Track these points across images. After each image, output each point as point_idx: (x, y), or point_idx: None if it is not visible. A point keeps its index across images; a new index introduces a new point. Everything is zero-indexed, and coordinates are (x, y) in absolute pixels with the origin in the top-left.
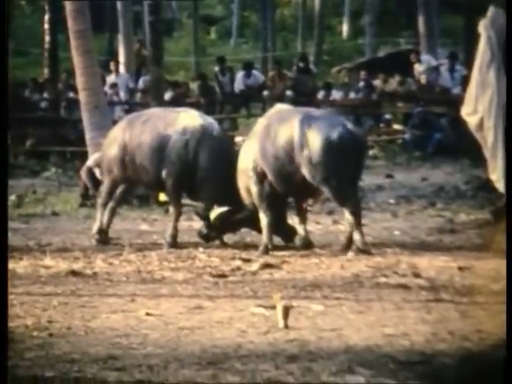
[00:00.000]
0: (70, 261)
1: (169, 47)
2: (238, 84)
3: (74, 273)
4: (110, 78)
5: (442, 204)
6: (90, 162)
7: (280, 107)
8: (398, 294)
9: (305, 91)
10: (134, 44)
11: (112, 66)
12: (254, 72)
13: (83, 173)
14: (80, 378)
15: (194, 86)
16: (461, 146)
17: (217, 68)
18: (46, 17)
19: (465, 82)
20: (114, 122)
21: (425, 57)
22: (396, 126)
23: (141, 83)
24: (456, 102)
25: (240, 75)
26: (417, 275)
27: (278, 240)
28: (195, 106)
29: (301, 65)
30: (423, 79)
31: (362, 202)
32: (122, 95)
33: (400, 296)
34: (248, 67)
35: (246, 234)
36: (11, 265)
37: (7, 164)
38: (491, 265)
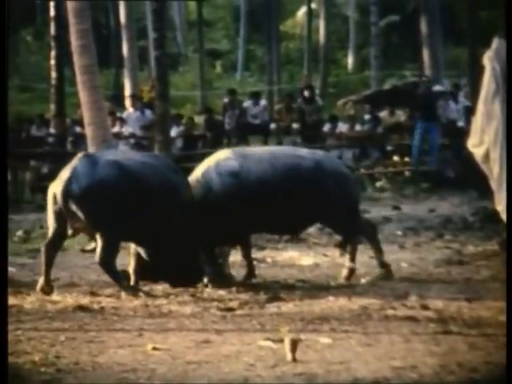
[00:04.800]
0: (77, 296)
1: (175, 81)
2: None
3: (81, 308)
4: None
5: (449, 235)
6: None
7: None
8: (406, 326)
9: (311, 124)
10: (148, 80)
11: (131, 101)
12: (261, 102)
13: None
14: None
15: (200, 119)
16: (467, 177)
17: (226, 100)
18: (53, 52)
19: (469, 113)
20: None
21: (437, 87)
22: (396, 158)
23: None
24: (461, 133)
25: (247, 103)
26: (425, 307)
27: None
28: (201, 139)
29: (306, 94)
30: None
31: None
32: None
33: (408, 328)
34: (255, 96)
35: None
36: (19, 301)
37: (7, 200)
38: (500, 296)
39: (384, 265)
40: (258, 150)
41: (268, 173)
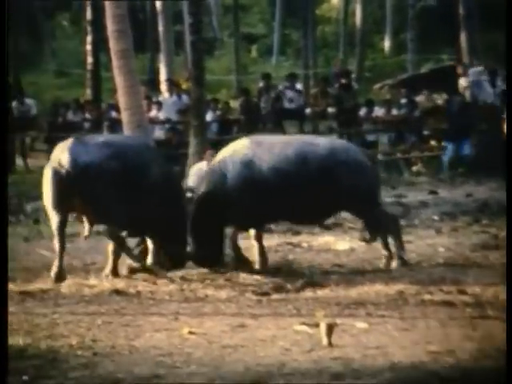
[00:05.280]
0: (113, 280)
1: (210, 66)
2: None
3: (117, 292)
4: (162, 98)
5: (486, 220)
6: None
7: None
8: (442, 311)
9: (347, 108)
10: (184, 69)
11: (167, 86)
12: (297, 85)
13: None
14: None
15: (235, 104)
16: (505, 161)
17: (261, 84)
18: (89, 38)
19: (507, 97)
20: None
21: (473, 69)
22: (432, 142)
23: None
24: (498, 118)
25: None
26: (462, 292)
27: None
28: (237, 124)
29: (343, 81)
30: (467, 94)
31: (406, 218)
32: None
33: (445, 313)
34: (291, 78)
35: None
36: (55, 284)
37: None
38: None
39: (404, 261)
40: (273, 139)
41: (280, 161)
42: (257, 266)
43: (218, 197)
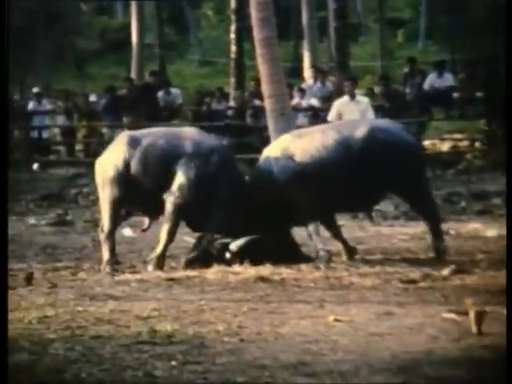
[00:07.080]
0: (258, 267)
1: (354, 52)
2: (427, 85)
3: (262, 279)
4: (306, 85)
5: None
6: None
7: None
8: None
9: (495, 93)
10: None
11: (312, 72)
12: (446, 74)
13: None
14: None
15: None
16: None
17: (406, 69)
18: (232, 26)
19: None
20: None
21: None
22: None
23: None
24: None
25: (431, 76)
26: None
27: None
28: (379, 110)
29: (491, 65)
30: None
31: None
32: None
33: None
34: (439, 67)
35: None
36: (200, 272)
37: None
38: None
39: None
40: (313, 130)
41: (321, 150)
42: (343, 258)
43: (267, 194)
